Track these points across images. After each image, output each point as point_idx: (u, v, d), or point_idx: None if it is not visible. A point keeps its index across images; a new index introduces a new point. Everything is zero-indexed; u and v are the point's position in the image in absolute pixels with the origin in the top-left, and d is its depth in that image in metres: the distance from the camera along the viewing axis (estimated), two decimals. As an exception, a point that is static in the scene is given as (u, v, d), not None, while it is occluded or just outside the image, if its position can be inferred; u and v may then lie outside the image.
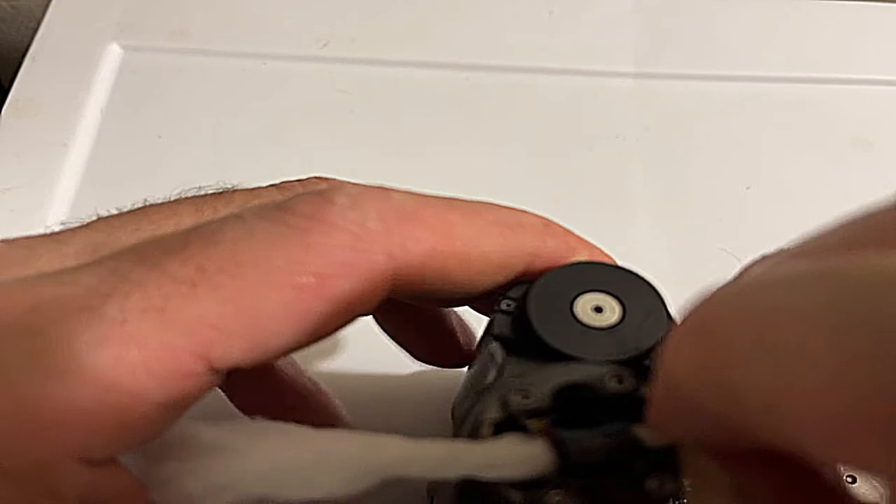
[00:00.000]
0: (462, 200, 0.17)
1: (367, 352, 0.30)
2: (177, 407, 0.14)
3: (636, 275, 0.17)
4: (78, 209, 0.35)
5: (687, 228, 0.35)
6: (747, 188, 0.36)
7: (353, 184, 0.16)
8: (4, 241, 0.16)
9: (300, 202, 0.15)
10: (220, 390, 0.20)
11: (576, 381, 0.15)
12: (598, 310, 0.16)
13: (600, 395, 0.15)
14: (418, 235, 0.16)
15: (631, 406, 0.14)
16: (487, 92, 0.39)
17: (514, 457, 0.13)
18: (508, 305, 0.17)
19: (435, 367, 0.23)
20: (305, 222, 0.15)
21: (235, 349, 0.14)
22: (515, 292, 0.17)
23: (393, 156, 0.36)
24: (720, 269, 0.33)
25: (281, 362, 0.21)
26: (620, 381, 0.15)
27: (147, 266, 0.14)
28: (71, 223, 0.17)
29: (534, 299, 0.16)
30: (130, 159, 0.37)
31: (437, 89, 0.39)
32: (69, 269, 0.15)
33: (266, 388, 0.21)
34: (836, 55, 0.41)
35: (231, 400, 0.21)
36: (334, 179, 0.19)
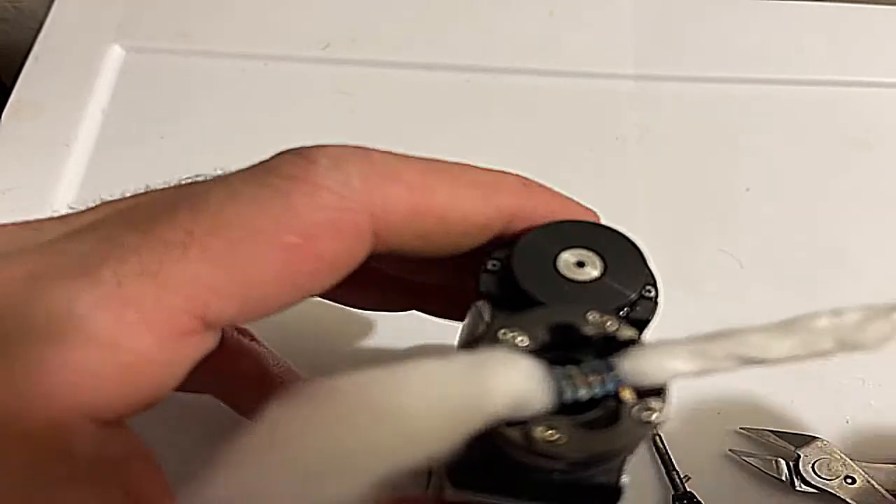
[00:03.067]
0: (442, 161, 0.17)
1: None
2: (178, 365, 0.14)
3: (616, 231, 0.18)
4: (79, 209, 0.35)
5: (687, 229, 0.35)
6: (747, 189, 0.36)
7: (334, 145, 0.16)
8: (14, 224, 0.16)
9: (283, 163, 0.16)
10: None
11: (565, 320, 0.15)
12: (581, 264, 0.17)
13: (586, 337, 0.15)
14: (399, 194, 0.16)
15: (615, 349, 0.15)
16: (488, 93, 0.39)
17: (515, 395, 0.13)
18: (494, 265, 0.17)
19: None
20: (288, 183, 0.15)
21: (228, 307, 0.14)
22: (500, 253, 0.17)
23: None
24: (720, 270, 0.34)
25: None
26: (604, 325, 0.15)
27: (139, 232, 0.14)
28: (78, 207, 0.17)
29: (518, 256, 0.17)
30: (131, 160, 0.37)
31: (437, 90, 0.39)
32: (62, 239, 0.15)
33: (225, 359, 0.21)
34: (836, 57, 0.41)
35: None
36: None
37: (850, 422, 0.30)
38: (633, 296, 0.16)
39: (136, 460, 0.14)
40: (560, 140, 0.38)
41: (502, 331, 0.15)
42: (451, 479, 0.16)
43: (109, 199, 0.18)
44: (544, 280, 0.16)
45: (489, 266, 0.17)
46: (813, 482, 0.27)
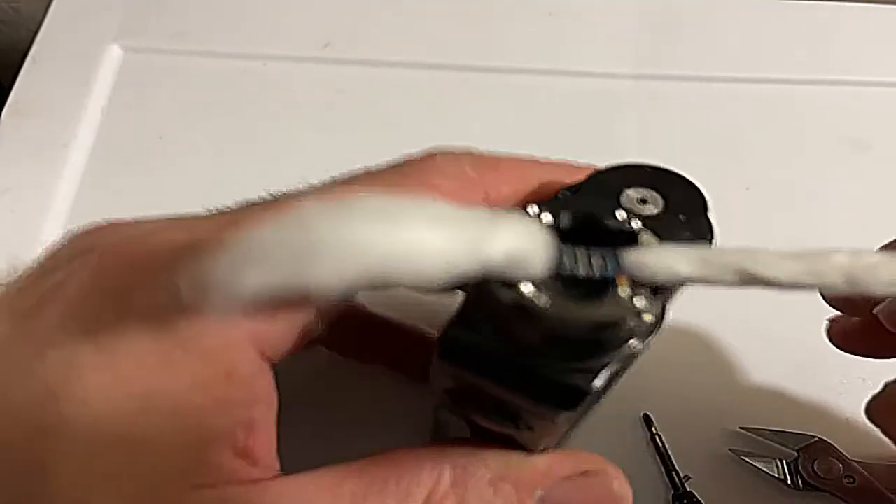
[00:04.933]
0: (516, 157, 0.21)
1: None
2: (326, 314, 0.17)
3: (685, 178, 0.18)
4: (78, 209, 0.35)
5: (687, 229, 0.35)
6: (747, 189, 0.36)
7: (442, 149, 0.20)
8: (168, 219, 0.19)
9: (407, 162, 0.20)
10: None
11: (592, 210, 0.16)
12: (643, 201, 0.17)
13: (610, 233, 0.16)
14: (502, 180, 0.19)
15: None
16: (488, 93, 0.39)
17: (516, 249, 0.14)
18: (562, 195, 0.18)
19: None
20: (418, 172, 0.19)
21: None
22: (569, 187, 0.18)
23: (393, 156, 0.36)
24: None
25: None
26: (629, 221, 0.16)
27: (261, 208, 0.18)
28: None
29: (585, 187, 0.18)
30: (131, 160, 0.37)
31: (437, 90, 0.39)
32: (191, 218, 0.18)
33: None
34: (836, 57, 0.41)
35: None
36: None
37: (849, 422, 0.30)
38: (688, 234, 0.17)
39: (262, 407, 0.17)
40: (560, 139, 0.38)
41: (531, 205, 0.15)
42: (440, 350, 0.16)
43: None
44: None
45: (559, 195, 0.18)
46: (813, 482, 0.27)
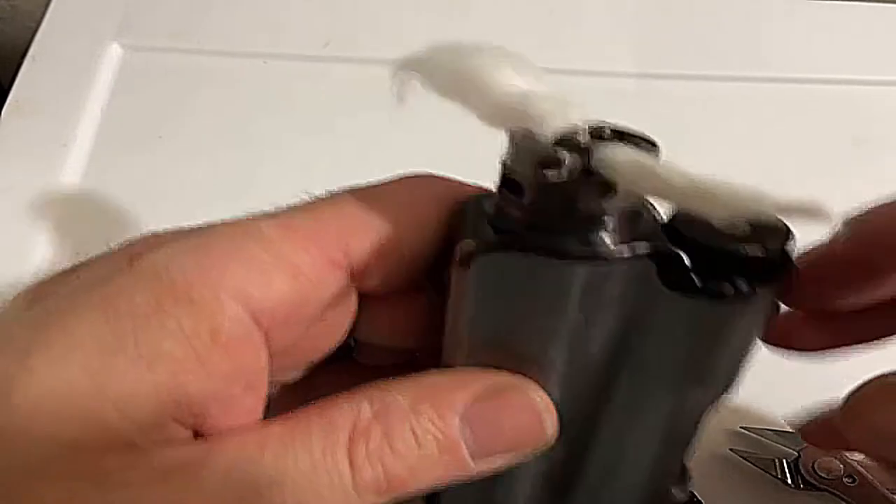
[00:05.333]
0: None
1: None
2: (322, 290, 0.17)
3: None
4: (78, 209, 0.35)
5: (687, 228, 0.35)
6: (747, 188, 0.36)
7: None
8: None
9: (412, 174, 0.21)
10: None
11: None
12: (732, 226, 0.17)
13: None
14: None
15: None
16: (488, 92, 0.39)
17: (548, 111, 0.17)
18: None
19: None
20: (423, 178, 0.21)
21: (365, 247, 0.18)
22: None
23: (393, 156, 0.36)
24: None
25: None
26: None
27: (309, 199, 0.19)
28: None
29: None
30: (130, 158, 0.37)
31: (437, 89, 0.39)
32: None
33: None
34: (836, 55, 0.41)
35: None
36: None
37: (850, 421, 0.30)
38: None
39: (243, 382, 0.17)
40: (560, 139, 0.38)
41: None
42: (478, 247, 0.16)
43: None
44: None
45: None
46: (813, 482, 0.27)
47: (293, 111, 0.38)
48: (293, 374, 0.21)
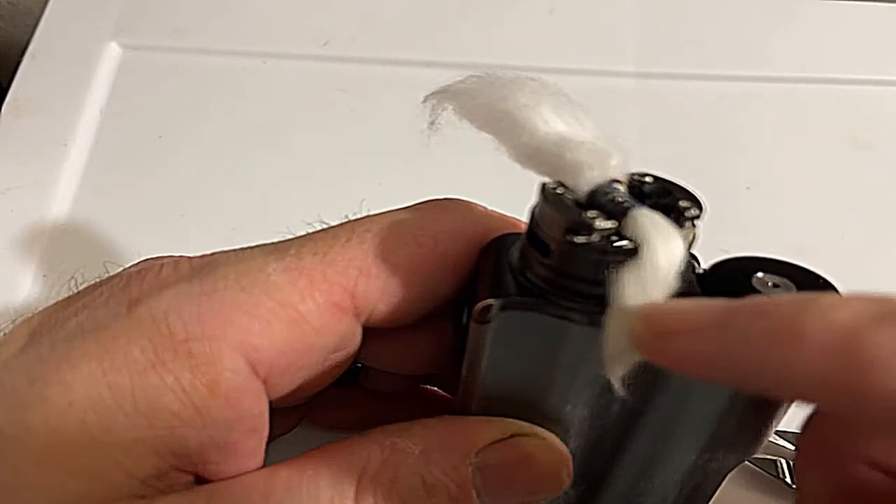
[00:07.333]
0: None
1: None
2: (326, 336, 0.17)
3: (816, 273, 0.18)
4: (78, 209, 0.35)
5: (687, 228, 0.35)
6: (747, 188, 0.36)
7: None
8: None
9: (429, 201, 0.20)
10: None
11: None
12: (776, 286, 0.17)
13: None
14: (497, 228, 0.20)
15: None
16: (487, 91, 0.39)
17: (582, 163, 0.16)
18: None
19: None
20: (431, 205, 0.19)
21: (374, 288, 0.17)
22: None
23: (393, 155, 0.36)
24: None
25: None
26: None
27: (321, 231, 0.18)
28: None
29: (715, 269, 0.17)
30: (130, 158, 0.37)
31: (437, 88, 0.39)
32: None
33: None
34: (836, 55, 0.41)
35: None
36: None
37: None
38: None
39: (244, 427, 0.17)
40: (560, 138, 0.38)
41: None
42: (498, 304, 0.16)
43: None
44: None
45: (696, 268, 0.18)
46: (813, 482, 0.27)
47: (293, 110, 0.38)
48: (294, 404, 0.21)
